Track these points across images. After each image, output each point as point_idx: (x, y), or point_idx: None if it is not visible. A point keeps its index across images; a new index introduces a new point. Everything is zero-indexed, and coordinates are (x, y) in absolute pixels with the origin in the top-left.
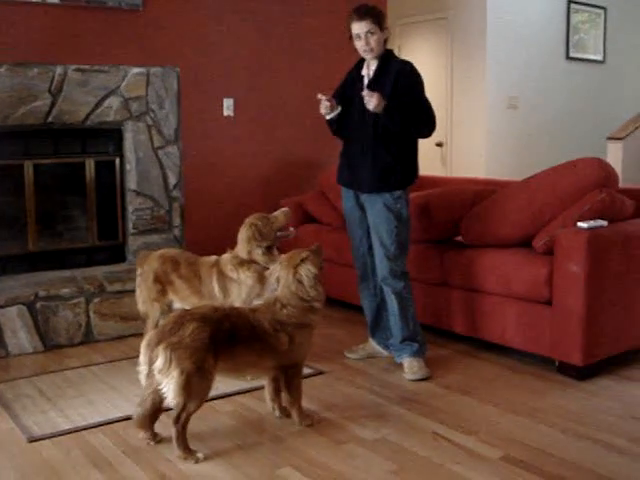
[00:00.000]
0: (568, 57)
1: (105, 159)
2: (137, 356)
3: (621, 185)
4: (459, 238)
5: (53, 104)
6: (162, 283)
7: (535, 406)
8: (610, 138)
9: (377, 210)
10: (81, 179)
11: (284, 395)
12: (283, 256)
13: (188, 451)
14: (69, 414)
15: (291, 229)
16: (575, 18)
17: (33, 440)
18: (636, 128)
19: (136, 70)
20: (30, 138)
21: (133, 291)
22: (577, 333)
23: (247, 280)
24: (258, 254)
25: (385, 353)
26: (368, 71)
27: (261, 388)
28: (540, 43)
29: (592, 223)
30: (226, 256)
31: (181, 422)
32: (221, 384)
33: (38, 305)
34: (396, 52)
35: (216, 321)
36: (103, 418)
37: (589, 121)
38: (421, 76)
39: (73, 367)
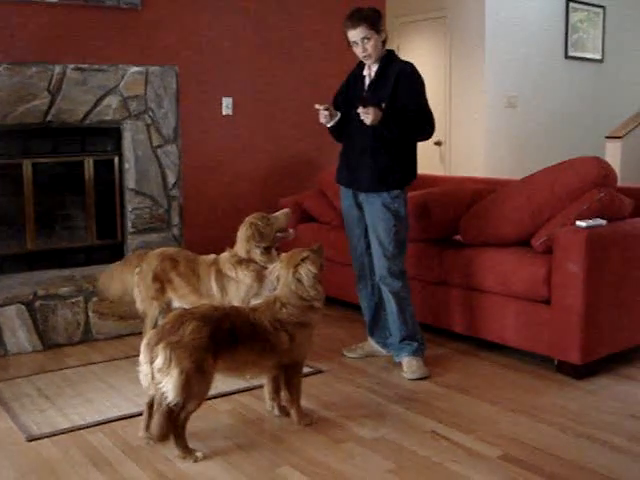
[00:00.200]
0: (567, 56)
1: (104, 158)
2: (136, 355)
3: (620, 184)
4: (458, 237)
5: (52, 103)
6: (161, 281)
7: (534, 405)
8: (609, 137)
9: (375, 209)
10: (80, 178)
11: (283, 394)
12: (283, 255)
13: (187, 450)
14: (68, 413)
15: (290, 231)
16: (574, 17)
17: (32, 439)
18: (635, 127)
19: (135, 69)
20: (29, 137)
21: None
22: (576, 332)
23: (245, 279)
24: (256, 254)
25: (384, 352)
26: (369, 72)
27: (260, 387)
28: (539, 42)
29: (591, 222)
30: (225, 255)
31: (180, 421)
32: (220, 383)
33: (37, 304)
34: (395, 52)
35: (216, 320)
36: (102, 417)
37: (588, 120)
38: (422, 77)
39: (72, 366)
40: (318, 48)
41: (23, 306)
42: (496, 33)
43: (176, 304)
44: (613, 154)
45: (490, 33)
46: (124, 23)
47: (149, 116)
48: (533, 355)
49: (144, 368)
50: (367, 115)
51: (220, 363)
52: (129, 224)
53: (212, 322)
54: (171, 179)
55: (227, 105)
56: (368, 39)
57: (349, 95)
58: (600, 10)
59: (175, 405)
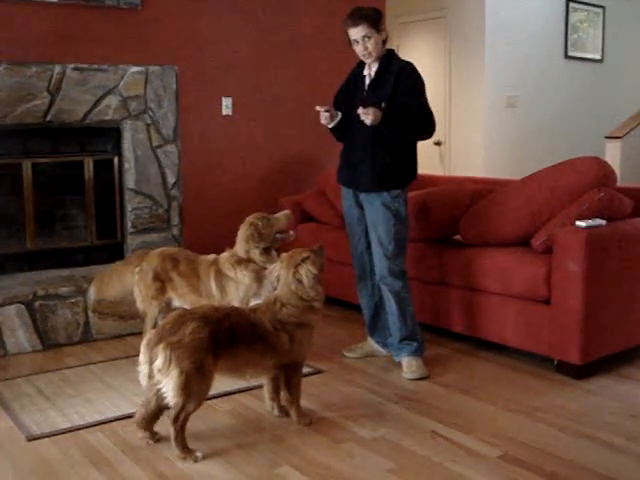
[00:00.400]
0: (567, 56)
1: (104, 158)
2: (136, 355)
3: (619, 184)
4: (457, 237)
5: (51, 103)
6: (161, 281)
7: (534, 405)
8: (608, 137)
9: (375, 209)
10: (80, 178)
11: (283, 394)
12: (284, 255)
13: (187, 450)
14: (68, 413)
15: (290, 232)
16: (574, 17)
17: (32, 439)
18: (634, 127)
19: (135, 69)
20: (28, 137)
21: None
22: (575, 332)
23: (244, 279)
24: (255, 254)
25: (383, 352)
26: (370, 71)
27: (260, 387)
28: (539, 42)
29: (590, 222)
30: (224, 255)
31: (180, 422)
32: (220, 383)
33: (37, 304)
34: (395, 51)
35: (216, 321)
36: (102, 417)
37: (587, 120)
38: (422, 77)
39: (72, 366)
40: (318, 48)
41: (23, 306)
42: (496, 33)
43: (176, 303)
44: (613, 154)
45: (490, 33)
46: (124, 23)
47: (149, 116)
48: (533, 355)
49: (144, 368)
50: (367, 116)
51: (220, 363)
52: (129, 224)
53: (212, 322)
54: (171, 179)
55: (227, 105)
56: (369, 38)
57: (349, 95)
58: (600, 10)
59: (175, 405)
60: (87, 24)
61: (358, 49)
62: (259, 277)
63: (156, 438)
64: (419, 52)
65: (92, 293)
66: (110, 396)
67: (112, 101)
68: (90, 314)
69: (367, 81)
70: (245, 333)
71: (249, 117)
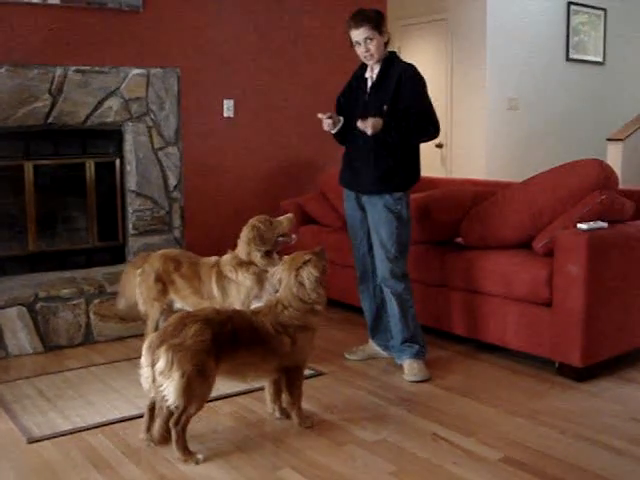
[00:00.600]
0: (568, 58)
1: (105, 160)
2: (137, 357)
3: (621, 186)
4: (459, 239)
5: (53, 105)
6: (163, 282)
7: (535, 407)
8: (610, 139)
9: (378, 211)
10: (81, 180)
11: (284, 396)
12: (286, 257)
13: (188, 453)
14: (69, 415)
15: (293, 236)
16: (575, 19)
17: (33, 441)
18: (636, 129)
19: (136, 71)
20: (30, 139)
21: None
22: (577, 334)
23: (246, 281)
24: (257, 256)
25: (385, 354)
26: (371, 74)
27: (261, 389)
28: (540, 44)
29: (592, 224)
30: (226, 257)
31: (181, 424)
32: (221, 385)
33: (38, 306)
34: (397, 53)
35: (218, 323)
36: (103, 419)
37: (589, 122)
38: (424, 78)
39: (73, 368)
40: (320, 50)
41: (24, 308)
42: (497, 36)
43: (178, 305)
44: (614, 156)
45: (491, 36)
46: (125, 25)
47: (150, 118)
48: (534, 358)
49: (145, 370)
50: (367, 127)
51: (222, 366)
52: (130, 226)
53: (214, 325)
54: (172, 181)
55: (228, 107)
56: (371, 39)
57: (352, 97)
58: (601, 13)
59: (176, 408)
60: (88, 26)
61: (360, 51)
62: (260, 279)
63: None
64: (421, 55)
65: (122, 303)
66: (111, 398)
67: (114, 103)
68: (91, 316)
69: (369, 83)
70: (247, 336)
71: (251, 119)
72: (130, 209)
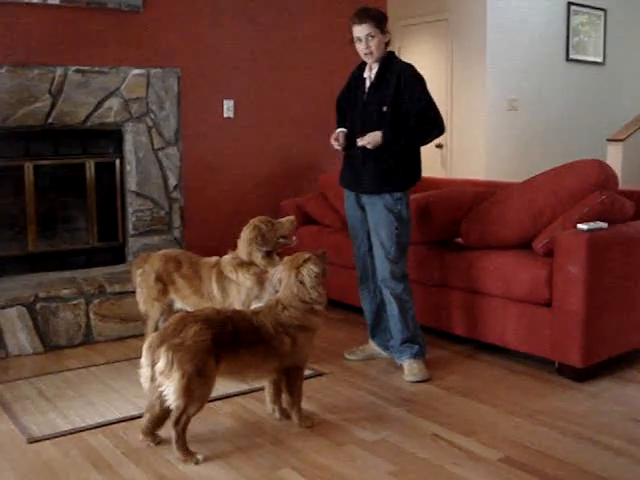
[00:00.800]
0: (568, 59)
1: (105, 160)
2: (137, 357)
3: (621, 187)
4: (459, 240)
5: (53, 105)
6: (164, 282)
7: (535, 408)
8: (610, 140)
9: (377, 211)
10: (81, 180)
11: (284, 396)
12: (286, 258)
13: (188, 453)
14: (69, 415)
15: (293, 238)
16: (575, 20)
17: (33, 441)
18: (636, 130)
19: (136, 71)
20: (30, 139)
21: (133, 292)
22: (577, 335)
23: (246, 281)
24: (257, 257)
25: (385, 354)
26: (370, 74)
27: (261, 389)
28: (540, 45)
29: (592, 225)
30: (227, 257)
31: (181, 424)
32: (221, 385)
33: (38, 306)
34: (396, 54)
35: (218, 323)
36: (103, 419)
37: (589, 123)
38: (423, 78)
39: (73, 368)
40: (320, 51)
41: (24, 308)
42: (497, 36)
43: (178, 305)
44: (614, 157)
45: (491, 36)
46: (125, 25)
47: (150, 118)
48: (534, 358)
49: (145, 371)
50: (367, 144)
51: (222, 366)
52: (130, 226)
53: (214, 325)
54: (172, 181)
55: (228, 107)
56: (372, 37)
57: (350, 97)
58: (601, 13)
59: (176, 408)
60: (89, 26)
61: (360, 47)
62: (261, 280)
63: (157, 440)
64: (421, 55)
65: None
66: (111, 398)
67: (114, 103)
68: (91, 316)
69: (367, 83)
70: (247, 336)
71: (251, 119)
72: (130, 209)
